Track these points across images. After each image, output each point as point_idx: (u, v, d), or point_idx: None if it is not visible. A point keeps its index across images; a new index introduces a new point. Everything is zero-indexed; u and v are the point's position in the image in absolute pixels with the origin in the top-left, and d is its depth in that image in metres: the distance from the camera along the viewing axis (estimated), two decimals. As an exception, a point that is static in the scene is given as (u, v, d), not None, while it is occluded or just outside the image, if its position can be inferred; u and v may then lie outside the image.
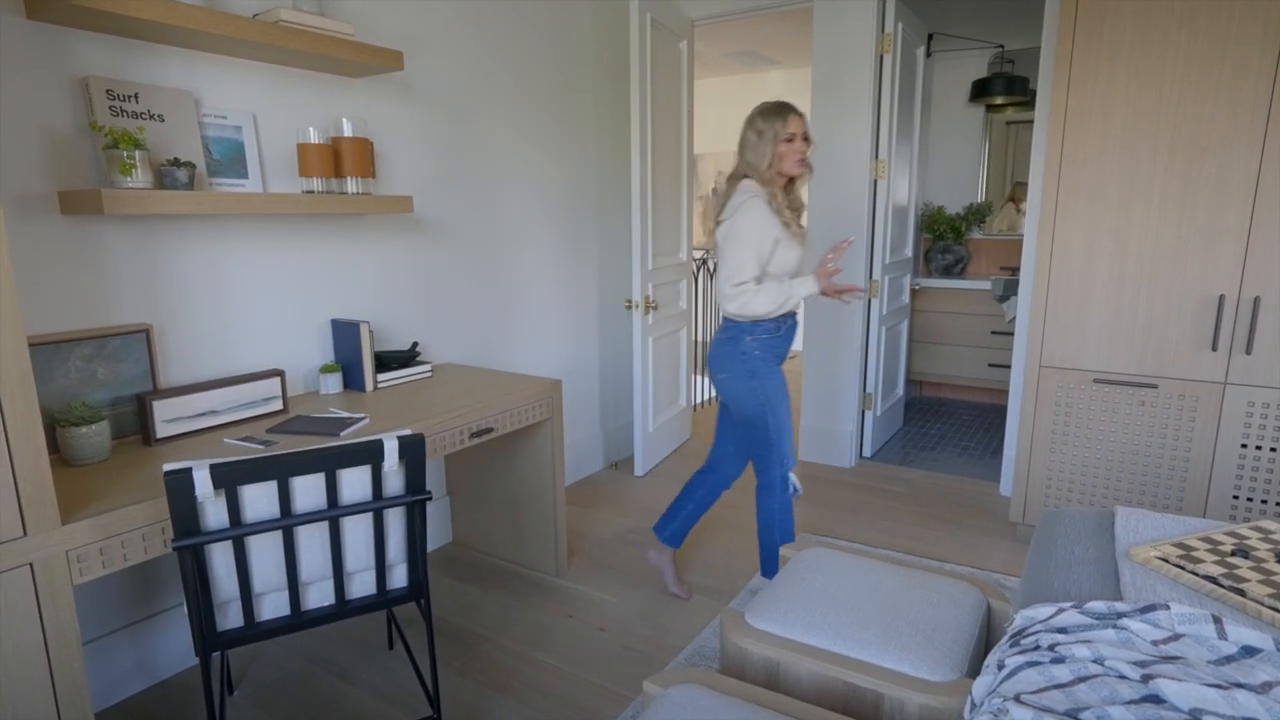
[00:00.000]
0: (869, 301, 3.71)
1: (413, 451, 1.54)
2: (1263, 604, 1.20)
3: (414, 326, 2.65)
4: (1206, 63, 2.27)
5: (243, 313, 2.13)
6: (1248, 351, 2.35)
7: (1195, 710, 0.90)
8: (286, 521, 1.43)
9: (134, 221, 1.87)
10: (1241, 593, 1.24)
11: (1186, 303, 2.42)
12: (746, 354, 2.19)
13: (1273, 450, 2.36)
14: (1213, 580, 1.29)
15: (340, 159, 2.15)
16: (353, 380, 2.31)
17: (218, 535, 1.38)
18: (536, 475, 2.53)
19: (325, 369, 2.28)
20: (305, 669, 2.09)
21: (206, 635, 1.45)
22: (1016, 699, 0.97)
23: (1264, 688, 0.95)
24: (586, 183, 3.41)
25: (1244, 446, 2.40)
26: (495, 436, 2.24)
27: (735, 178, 2.23)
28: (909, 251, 4.20)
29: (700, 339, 5.02)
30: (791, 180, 2.22)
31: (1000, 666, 1.08)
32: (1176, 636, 1.08)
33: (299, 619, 1.54)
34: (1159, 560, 1.38)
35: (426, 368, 2.49)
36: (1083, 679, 0.99)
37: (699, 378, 5.05)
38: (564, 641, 2.23)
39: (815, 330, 3.69)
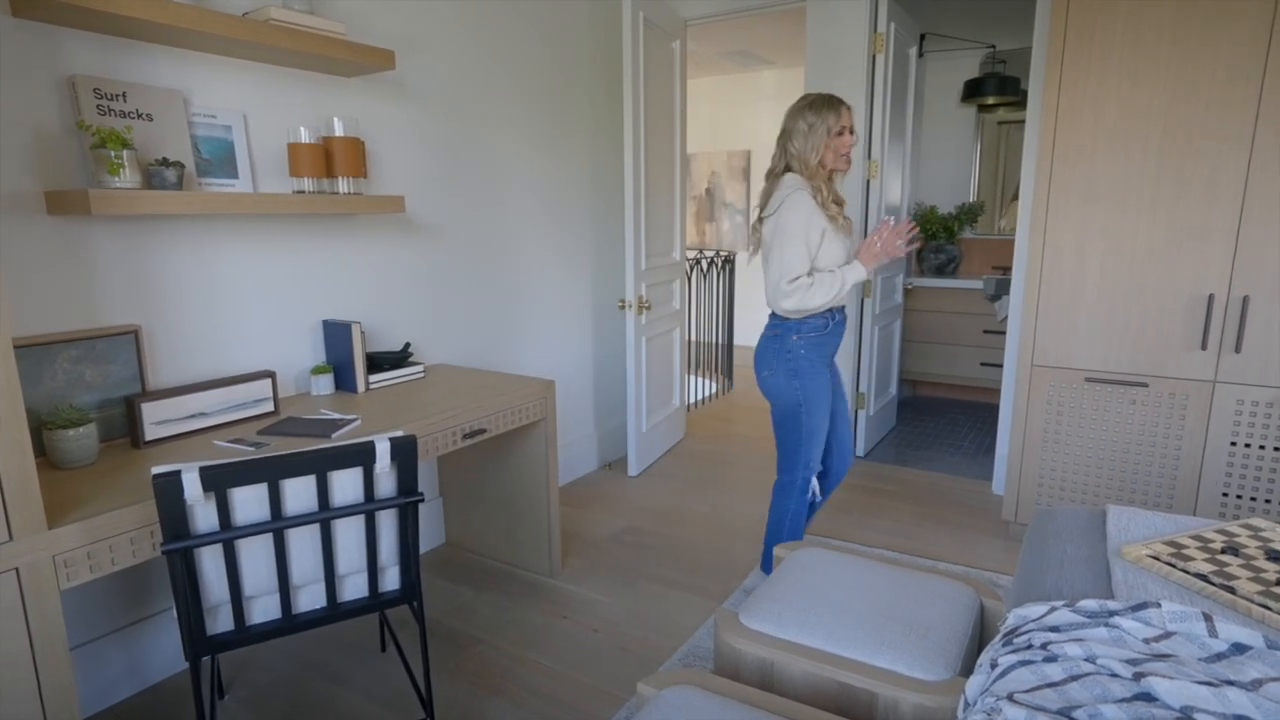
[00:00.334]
0: (861, 301, 3.72)
1: (405, 453, 1.53)
2: (1253, 601, 1.21)
3: (406, 327, 2.64)
4: (1197, 63, 2.29)
5: (233, 314, 2.12)
6: (1237, 350, 2.36)
7: (1187, 708, 0.91)
8: (277, 524, 1.42)
9: (122, 222, 1.86)
10: (1232, 590, 1.25)
11: (1177, 302, 2.43)
12: (792, 353, 2.19)
13: (1261, 448, 2.38)
14: (1203, 578, 1.29)
15: (331, 159, 2.14)
16: (344, 381, 2.30)
17: (207, 539, 1.37)
18: (530, 476, 2.53)
19: (317, 370, 2.27)
20: (297, 672, 2.08)
21: (196, 639, 1.44)
22: (1009, 698, 0.97)
23: (1254, 685, 0.95)
24: (581, 183, 3.41)
25: (1233, 444, 2.42)
26: (488, 437, 2.24)
27: (776, 173, 2.22)
28: (902, 251, 4.21)
29: (694, 339, 5.02)
30: (831, 174, 2.22)
31: (993, 665, 1.08)
32: (1168, 634, 1.09)
33: (290, 622, 1.53)
34: (1150, 558, 1.38)
35: (419, 368, 2.48)
36: (1075, 677, 0.99)
37: (692, 378, 5.04)
38: (558, 643, 2.22)
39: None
